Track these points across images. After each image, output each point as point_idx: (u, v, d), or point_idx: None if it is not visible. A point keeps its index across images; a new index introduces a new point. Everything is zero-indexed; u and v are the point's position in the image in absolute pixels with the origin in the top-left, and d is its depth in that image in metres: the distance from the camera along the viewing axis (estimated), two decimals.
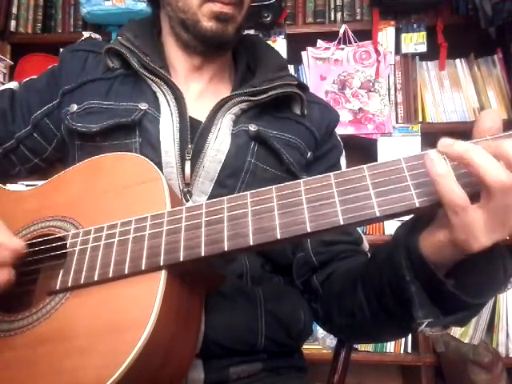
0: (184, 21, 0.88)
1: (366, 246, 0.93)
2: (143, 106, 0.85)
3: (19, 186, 0.96)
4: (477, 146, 0.50)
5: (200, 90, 0.93)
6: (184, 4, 0.87)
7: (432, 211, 0.54)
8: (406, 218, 0.62)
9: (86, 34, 2.28)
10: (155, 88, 0.88)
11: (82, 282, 0.64)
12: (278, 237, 0.56)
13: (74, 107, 0.89)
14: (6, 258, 0.64)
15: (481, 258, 0.54)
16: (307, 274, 0.89)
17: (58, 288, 0.65)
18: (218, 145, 0.83)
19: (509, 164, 0.48)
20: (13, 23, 2.39)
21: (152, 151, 0.82)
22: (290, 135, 0.90)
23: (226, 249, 0.58)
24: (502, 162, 0.49)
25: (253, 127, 0.86)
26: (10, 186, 0.92)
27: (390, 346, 2.10)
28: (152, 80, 0.88)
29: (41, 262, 0.71)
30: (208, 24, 0.86)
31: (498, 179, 0.48)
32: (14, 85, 1.01)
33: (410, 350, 2.09)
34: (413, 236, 0.59)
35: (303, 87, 0.96)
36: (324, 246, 0.88)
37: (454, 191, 0.50)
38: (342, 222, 0.54)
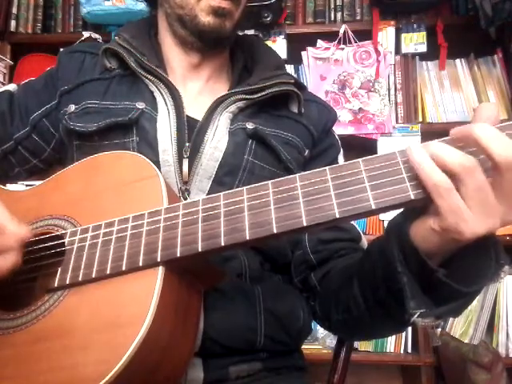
0: (181, 17, 0.89)
1: (364, 243, 0.93)
2: (140, 105, 0.86)
3: (19, 186, 0.96)
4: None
5: (198, 88, 0.94)
6: (182, 0, 0.87)
7: (426, 203, 0.55)
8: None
9: (86, 34, 2.29)
10: (152, 87, 0.88)
11: (80, 279, 0.64)
12: (275, 231, 0.56)
13: (72, 107, 0.89)
14: (13, 243, 0.64)
15: (472, 247, 0.55)
16: (305, 272, 0.89)
17: (56, 286, 0.65)
18: (216, 143, 0.84)
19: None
20: (13, 23, 2.39)
21: (150, 150, 0.82)
22: (288, 133, 0.91)
23: (222, 244, 0.58)
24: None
25: (250, 125, 0.86)
26: (9, 186, 0.93)
27: (390, 346, 2.10)
28: (149, 79, 0.88)
29: (39, 260, 0.71)
30: (206, 19, 0.87)
31: (458, 161, 0.50)
32: (12, 87, 1.02)
33: (410, 350, 2.08)
34: (404, 227, 0.59)
35: (301, 86, 0.96)
36: (322, 244, 0.88)
37: (435, 174, 0.51)
38: (337, 216, 0.55)
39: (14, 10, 2.40)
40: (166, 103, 0.86)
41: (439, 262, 0.59)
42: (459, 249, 0.57)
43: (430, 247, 0.57)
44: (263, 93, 0.88)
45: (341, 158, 0.99)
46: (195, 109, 0.88)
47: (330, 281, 0.84)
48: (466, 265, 0.57)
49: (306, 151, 0.93)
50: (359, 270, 0.73)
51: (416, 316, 0.58)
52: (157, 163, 0.78)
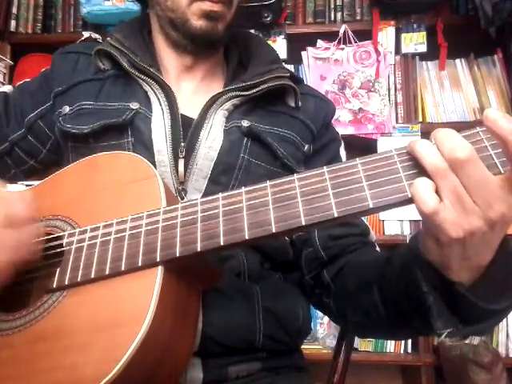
0: (173, 20, 0.88)
1: (372, 236, 0.92)
2: (134, 105, 0.85)
3: (19, 186, 0.96)
4: (422, 140, 0.53)
5: (192, 88, 0.93)
6: (173, 3, 0.87)
7: None
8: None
9: (86, 34, 2.29)
10: (146, 87, 0.88)
11: (78, 279, 0.64)
12: (274, 230, 0.57)
13: (66, 109, 0.89)
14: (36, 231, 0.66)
15: (498, 267, 0.55)
16: (317, 269, 0.88)
17: (55, 286, 0.65)
18: (210, 142, 0.84)
19: (442, 149, 0.51)
20: (13, 23, 2.40)
21: (145, 151, 0.82)
22: (284, 130, 0.90)
23: (221, 243, 0.58)
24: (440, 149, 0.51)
25: (245, 123, 0.86)
26: (9, 187, 0.93)
27: (390, 346, 2.10)
28: (143, 79, 0.87)
29: (37, 261, 0.71)
30: (197, 23, 0.86)
31: (433, 163, 0.50)
32: (7, 88, 1.02)
33: (409, 350, 2.09)
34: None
35: (297, 79, 0.96)
36: (332, 240, 0.88)
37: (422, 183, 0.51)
38: (336, 215, 0.55)
39: (14, 10, 2.40)
40: (160, 103, 0.86)
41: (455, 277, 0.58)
42: (485, 268, 0.56)
43: (431, 256, 0.57)
44: (258, 89, 0.87)
45: (342, 151, 0.99)
46: (191, 108, 0.88)
47: (344, 279, 0.83)
48: (491, 283, 0.56)
49: (306, 146, 0.92)
50: (380, 278, 0.72)
51: (444, 336, 0.58)
52: (152, 164, 0.77)
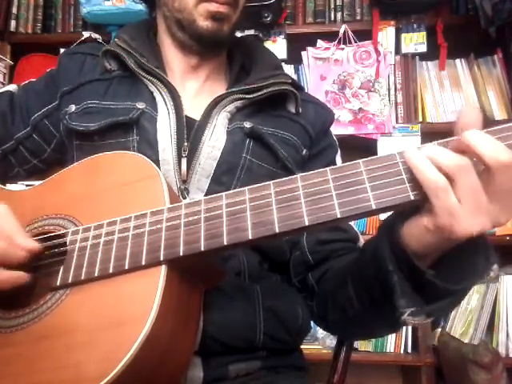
0: (180, 20, 0.90)
1: (362, 244, 0.93)
2: (141, 105, 0.86)
3: (19, 186, 0.96)
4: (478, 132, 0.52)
5: (196, 89, 0.94)
6: (180, 4, 0.88)
7: (424, 203, 0.55)
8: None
9: (86, 34, 2.28)
10: (152, 88, 0.89)
11: (82, 277, 0.64)
12: (277, 230, 0.57)
13: (73, 108, 0.90)
14: (23, 258, 0.67)
15: (462, 246, 0.56)
16: (304, 273, 0.90)
17: (58, 284, 0.65)
18: (214, 142, 0.84)
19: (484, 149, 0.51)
20: (13, 23, 2.39)
21: (149, 149, 0.83)
22: (285, 132, 0.91)
23: (225, 243, 0.59)
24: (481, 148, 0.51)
25: (248, 124, 0.87)
26: (9, 186, 0.93)
27: (390, 346, 2.10)
28: (149, 80, 0.89)
29: (40, 259, 0.71)
30: (204, 23, 0.87)
31: (453, 161, 0.51)
32: (12, 87, 1.03)
33: (410, 350, 2.09)
34: (397, 227, 0.60)
35: (298, 86, 0.97)
36: (320, 244, 0.89)
37: (431, 174, 0.52)
38: (339, 215, 0.55)
39: (14, 10, 2.40)
40: (165, 103, 0.87)
41: (430, 261, 0.60)
42: (448, 248, 0.58)
43: (425, 248, 0.58)
44: (260, 92, 0.89)
45: (338, 159, 1.00)
46: (193, 109, 0.89)
47: (326, 281, 0.85)
48: (455, 263, 0.58)
49: (304, 150, 0.93)
50: (354, 270, 0.74)
51: (406, 314, 0.58)
52: (156, 162, 0.78)
